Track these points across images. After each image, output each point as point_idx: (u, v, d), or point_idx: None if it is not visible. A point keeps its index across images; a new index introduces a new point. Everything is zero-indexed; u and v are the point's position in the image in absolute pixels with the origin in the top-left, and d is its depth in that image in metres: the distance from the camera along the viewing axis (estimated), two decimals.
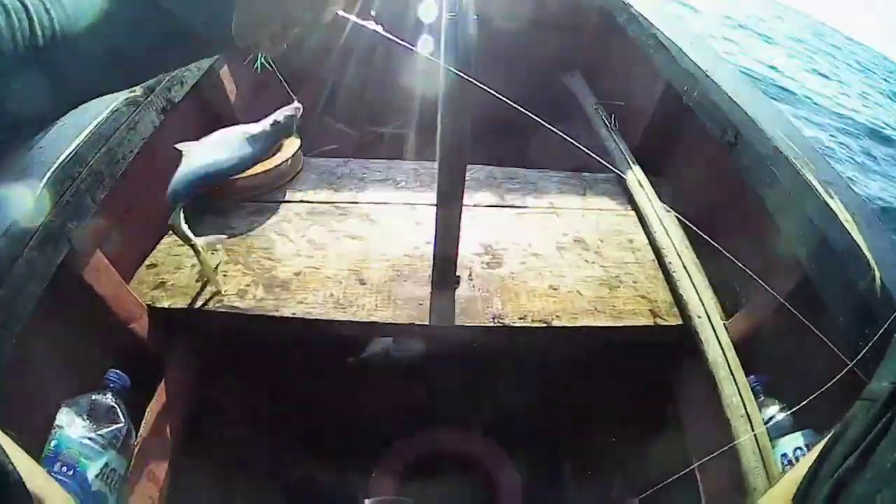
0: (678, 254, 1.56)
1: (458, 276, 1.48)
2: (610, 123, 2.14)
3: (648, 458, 1.57)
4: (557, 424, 1.70)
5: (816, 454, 0.74)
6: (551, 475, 1.67)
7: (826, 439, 0.74)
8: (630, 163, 1.95)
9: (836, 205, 1.26)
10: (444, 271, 1.45)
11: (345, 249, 1.57)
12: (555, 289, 1.51)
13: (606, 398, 1.71)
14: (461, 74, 0.97)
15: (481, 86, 0.94)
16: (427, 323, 1.40)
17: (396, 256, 1.56)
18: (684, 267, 1.54)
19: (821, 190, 1.29)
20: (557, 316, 1.43)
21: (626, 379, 1.67)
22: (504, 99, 0.97)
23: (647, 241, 1.68)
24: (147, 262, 1.51)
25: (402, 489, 1.55)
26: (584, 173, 1.98)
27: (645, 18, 2.12)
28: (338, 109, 2.62)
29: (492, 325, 1.40)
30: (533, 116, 1.01)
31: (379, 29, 0.81)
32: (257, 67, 1.11)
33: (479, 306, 1.44)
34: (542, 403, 1.70)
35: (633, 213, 1.79)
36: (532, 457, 1.68)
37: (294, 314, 1.39)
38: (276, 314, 1.38)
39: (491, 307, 1.44)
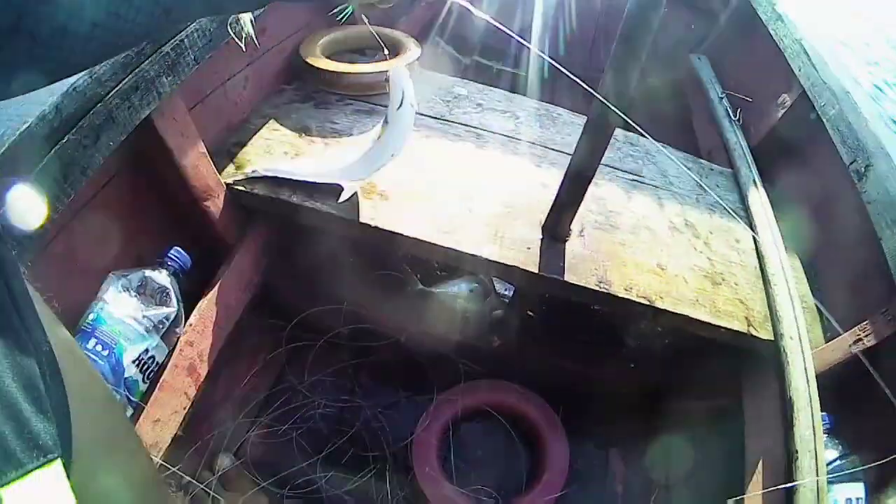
0: (782, 266, 1.44)
1: (571, 230, 1.35)
2: (734, 116, 2.00)
3: (702, 469, 1.47)
4: (617, 408, 1.58)
5: None
6: (598, 454, 1.58)
7: None
8: (749, 162, 1.81)
9: None
10: (561, 220, 1.32)
11: (456, 172, 1.45)
12: (662, 268, 1.38)
13: (677, 396, 1.60)
14: None
15: None
16: (535, 271, 1.27)
17: (510, 193, 1.43)
18: (786, 281, 1.41)
19: None
20: (661, 297, 1.31)
21: (700, 381, 1.55)
22: None
23: (752, 244, 1.54)
24: (234, 140, 1.38)
25: (452, 434, 1.47)
26: (701, 160, 1.84)
27: (789, 19, 1.98)
28: (449, 34, 2.45)
29: (597, 289, 1.27)
30: None
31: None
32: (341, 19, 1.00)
33: (587, 265, 1.31)
34: (609, 382, 1.59)
35: (743, 213, 1.66)
36: (586, 431, 1.58)
37: (391, 229, 1.25)
38: (369, 222, 1.25)
39: (598, 270, 1.31)
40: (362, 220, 1.25)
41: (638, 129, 1.27)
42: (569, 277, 1.27)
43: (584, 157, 1.19)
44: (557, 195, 1.30)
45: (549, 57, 1.11)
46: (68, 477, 0.44)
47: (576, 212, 1.31)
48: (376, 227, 1.25)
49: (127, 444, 0.72)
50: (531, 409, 1.48)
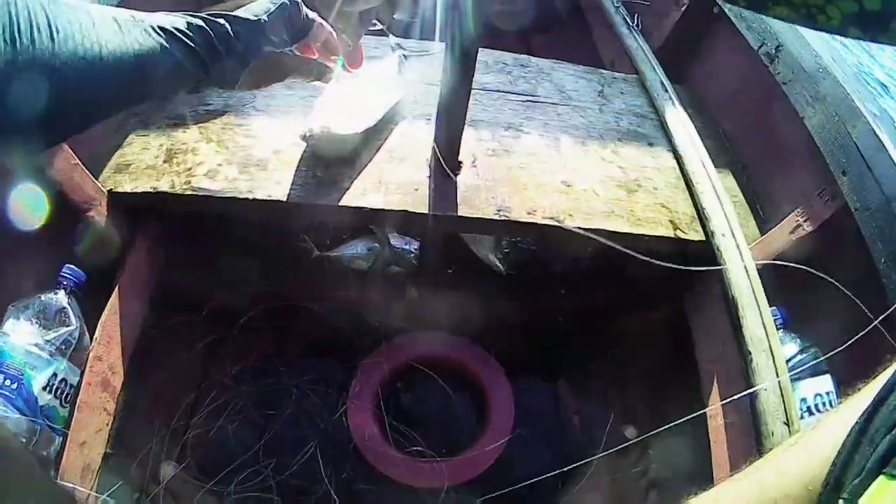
0: (703, 164, 1.39)
1: (461, 162, 1.30)
2: (631, 22, 1.94)
3: (655, 389, 1.46)
4: (557, 338, 1.54)
5: (844, 417, 0.63)
6: (543, 391, 1.54)
7: (853, 398, 0.65)
8: (653, 65, 1.76)
9: (884, 136, 1.13)
10: (446, 155, 1.26)
11: None
12: (569, 185, 1.33)
13: (613, 316, 1.56)
14: None
15: None
16: (424, 211, 1.23)
17: (390, 138, 1.37)
18: (709, 178, 1.37)
19: (868, 117, 1.17)
20: (570, 214, 1.26)
21: (636, 296, 1.51)
22: None
23: (668, 146, 1.49)
24: (107, 144, 1.33)
25: (386, 395, 1.43)
26: (602, 70, 1.78)
27: None
28: None
29: (496, 217, 1.23)
30: None
31: None
32: None
33: (482, 196, 1.27)
34: (540, 313, 1.54)
35: (654, 115, 1.61)
36: (526, 370, 1.55)
37: (269, 196, 1.21)
38: (248, 196, 1.21)
39: (496, 198, 1.26)
40: (240, 195, 1.21)
41: None
42: (464, 211, 1.23)
43: (452, 79, 1.13)
44: (436, 128, 1.26)
45: None
46: None
47: (459, 140, 1.25)
48: (255, 200, 1.21)
49: None
50: (462, 355, 1.44)
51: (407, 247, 1.49)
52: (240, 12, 0.86)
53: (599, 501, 1.26)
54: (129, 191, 1.23)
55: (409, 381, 1.48)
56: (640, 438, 1.21)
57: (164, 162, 1.28)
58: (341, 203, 1.22)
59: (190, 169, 1.26)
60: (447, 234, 1.42)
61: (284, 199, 1.21)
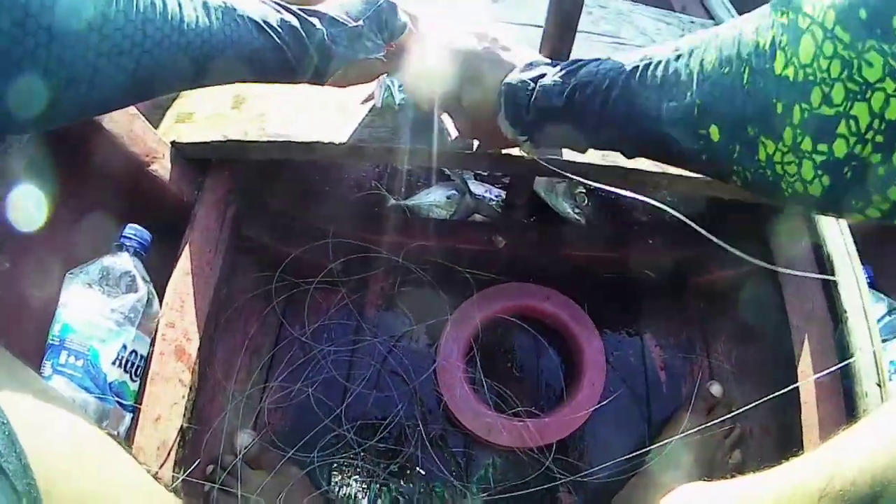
0: None
1: None
2: None
3: (741, 345, 1.39)
4: (642, 291, 1.47)
5: None
6: (632, 343, 1.46)
7: None
8: (728, 8, 1.71)
9: None
10: None
11: None
12: None
13: (700, 268, 1.48)
14: None
15: None
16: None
17: None
18: None
19: None
20: None
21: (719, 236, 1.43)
22: None
23: None
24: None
25: (477, 352, 1.34)
26: (678, 14, 1.69)
27: None
28: None
29: (602, 163, 1.12)
30: None
31: None
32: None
33: None
34: (624, 264, 1.45)
35: None
36: (614, 322, 1.46)
37: (360, 141, 1.11)
38: (332, 141, 1.11)
39: None
40: (321, 140, 1.12)
41: None
42: (569, 156, 1.13)
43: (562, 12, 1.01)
44: None
45: None
46: None
47: None
48: (337, 144, 1.11)
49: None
50: (555, 308, 1.35)
51: (488, 194, 1.40)
52: (336, 11, 0.84)
53: (689, 459, 1.20)
54: (195, 141, 1.14)
55: (498, 335, 1.40)
56: (734, 413, 1.14)
57: (233, 108, 1.18)
58: (434, 147, 1.11)
59: (263, 114, 1.16)
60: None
61: (375, 143, 1.12)
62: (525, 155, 1.04)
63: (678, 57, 0.70)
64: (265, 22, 0.75)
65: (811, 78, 0.51)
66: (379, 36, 0.90)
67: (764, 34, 0.57)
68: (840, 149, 0.51)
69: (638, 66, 0.76)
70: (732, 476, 0.89)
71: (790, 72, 0.53)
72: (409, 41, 0.96)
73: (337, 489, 1.22)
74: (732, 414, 1.10)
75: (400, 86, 1.11)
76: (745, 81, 0.58)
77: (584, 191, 1.44)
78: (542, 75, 0.85)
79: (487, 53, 0.91)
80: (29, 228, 0.92)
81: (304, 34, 0.78)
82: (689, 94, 0.66)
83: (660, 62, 0.73)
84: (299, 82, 0.87)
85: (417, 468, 1.24)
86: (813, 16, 0.51)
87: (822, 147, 0.52)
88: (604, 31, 1.50)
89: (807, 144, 0.53)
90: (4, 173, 0.88)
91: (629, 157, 0.87)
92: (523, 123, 0.88)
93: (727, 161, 0.65)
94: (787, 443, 1.09)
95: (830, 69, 0.49)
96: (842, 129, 0.50)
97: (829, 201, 0.55)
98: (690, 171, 0.78)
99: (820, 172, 0.53)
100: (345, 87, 0.97)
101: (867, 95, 0.47)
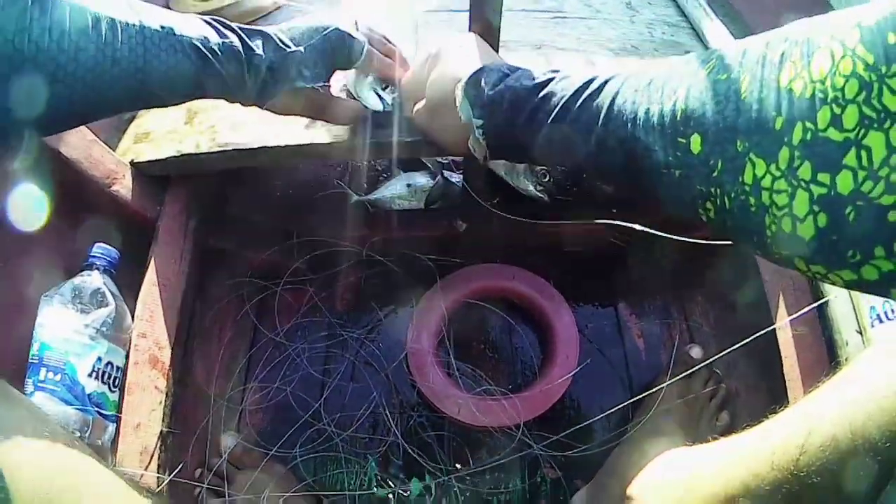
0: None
1: None
2: None
3: (718, 306, 1.40)
4: (612, 260, 1.47)
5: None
6: (605, 313, 1.47)
7: None
8: None
9: None
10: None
11: None
12: None
13: (669, 231, 1.48)
14: None
15: None
16: None
17: None
18: None
19: None
20: None
21: None
22: None
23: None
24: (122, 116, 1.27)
25: (446, 335, 1.37)
26: None
27: None
28: None
29: None
30: None
31: None
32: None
33: None
34: (591, 235, 1.44)
35: (686, 24, 1.55)
36: (586, 294, 1.49)
37: (312, 141, 1.12)
38: (278, 143, 1.13)
39: None
40: (269, 144, 1.13)
41: None
42: None
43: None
44: None
45: None
46: None
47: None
48: (286, 146, 1.13)
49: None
50: (522, 286, 1.37)
51: (454, 180, 1.42)
52: (281, 34, 0.84)
53: (672, 425, 1.20)
54: (152, 159, 1.17)
55: (468, 318, 1.42)
56: (709, 361, 1.14)
57: (185, 124, 1.21)
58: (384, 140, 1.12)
59: (213, 126, 1.18)
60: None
61: (322, 142, 1.12)
62: None
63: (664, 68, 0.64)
64: (205, 45, 0.75)
65: (821, 95, 0.44)
66: (321, 65, 0.88)
67: (775, 46, 0.50)
68: (845, 183, 0.43)
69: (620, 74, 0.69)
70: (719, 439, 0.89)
71: (797, 85, 0.46)
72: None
73: (322, 481, 1.25)
74: (705, 363, 1.12)
75: (385, 87, 1.08)
76: (742, 90, 0.51)
77: (544, 167, 1.45)
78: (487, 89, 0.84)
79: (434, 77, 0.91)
80: None
81: (243, 56, 0.78)
82: (675, 99, 0.58)
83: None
84: (238, 103, 0.88)
85: (398, 455, 1.27)
86: (833, 33, 0.44)
87: (824, 178, 0.44)
88: (546, 7, 1.54)
89: (805, 172, 0.45)
90: None
91: (590, 181, 0.82)
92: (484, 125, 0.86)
93: (703, 180, 0.55)
94: (774, 400, 1.08)
95: (846, 89, 0.42)
96: (850, 159, 0.42)
97: (819, 248, 0.47)
98: (655, 197, 0.66)
99: (816, 209, 0.45)
100: (287, 115, 0.98)
101: (885, 125, 0.40)
